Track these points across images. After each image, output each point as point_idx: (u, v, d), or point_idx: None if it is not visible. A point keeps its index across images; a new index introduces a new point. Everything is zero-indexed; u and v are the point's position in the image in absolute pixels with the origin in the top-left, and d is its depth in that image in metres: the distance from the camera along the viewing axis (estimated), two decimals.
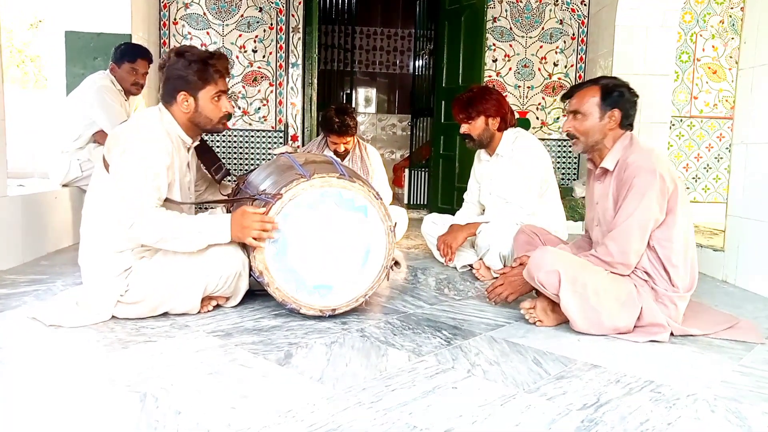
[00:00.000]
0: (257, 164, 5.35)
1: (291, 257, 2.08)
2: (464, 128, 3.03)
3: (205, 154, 2.43)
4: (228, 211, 2.38)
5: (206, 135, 2.40)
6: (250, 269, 2.15)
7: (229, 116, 2.21)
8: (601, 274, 2.04)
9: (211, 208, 2.49)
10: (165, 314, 2.13)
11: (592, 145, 2.17)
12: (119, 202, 1.99)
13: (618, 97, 2.11)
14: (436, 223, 3.35)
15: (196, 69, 2.08)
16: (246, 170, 5.38)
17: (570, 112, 2.19)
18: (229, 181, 2.61)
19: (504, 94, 3.74)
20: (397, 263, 2.81)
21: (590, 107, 2.13)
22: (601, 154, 2.17)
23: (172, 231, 1.98)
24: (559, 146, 5.63)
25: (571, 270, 2.00)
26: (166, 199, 2.07)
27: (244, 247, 2.15)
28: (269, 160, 4.09)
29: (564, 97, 2.24)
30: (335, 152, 3.51)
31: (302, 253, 2.10)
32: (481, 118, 2.99)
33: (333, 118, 3.44)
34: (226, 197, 2.46)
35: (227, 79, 2.20)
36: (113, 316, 2.08)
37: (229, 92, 2.23)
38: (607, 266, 2.05)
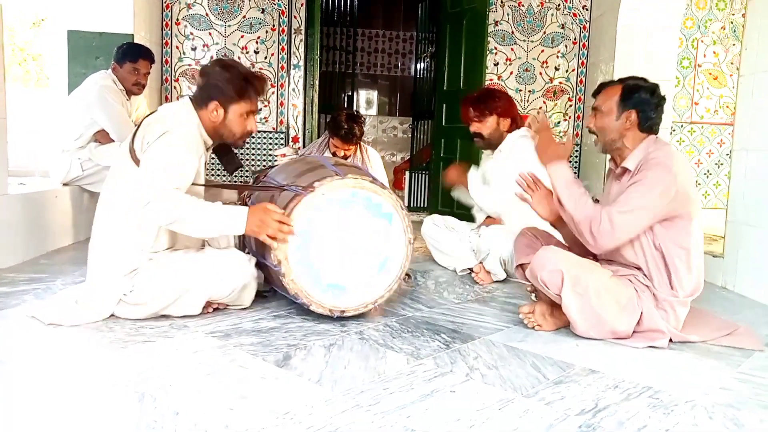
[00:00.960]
0: (258, 166, 5.35)
1: (312, 251, 2.08)
2: (474, 127, 3.03)
3: (219, 145, 2.44)
4: (244, 203, 2.39)
5: None
6: (267, 258, 2.12)
7: (250, 134, 2.25)
8: (605, 276, 2.04)
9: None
10: (165, 315, 2.13)
11: (610, 144, 2.14)
12: (141, 182, 1.98)
13: (637, 98, 2.08)
14: (437, 225, 3.35)
15: (236, 84, 2.12)
16: (247, 171, 5.38)
17: (592, 108, 2.19)
18: (242, 175, 2.62)
19: None
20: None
21: (610, 105, 2.11)
22: (622, 154, 2.14)
23: (189, 213, 1.96)
24: None
25: (574, 270, 2.00)
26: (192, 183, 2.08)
27: (261, 244, 2.14)
28: (273, 161, 4.09)
29: (593, 94, 2.24)
30: (334, 155, 3.50)
31: (324, 249, 2.10)
32: (492, 117, 2.99)
33: (342, 123, 3.39)
34: (252, 185, 2.46)
35: (260, 100, 2.24)
36: (113, 315, 2.09)
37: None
38: (590, 235, 1.99)
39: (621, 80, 2.18)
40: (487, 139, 3.04)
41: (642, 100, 2.08)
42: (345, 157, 3.50)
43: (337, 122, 3.41)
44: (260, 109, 2.26)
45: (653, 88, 2.12)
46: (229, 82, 2.12)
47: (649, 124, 2.11)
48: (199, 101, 2.16)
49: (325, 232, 2.09)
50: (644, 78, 2.16)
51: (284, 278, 2.07)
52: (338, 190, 2.09)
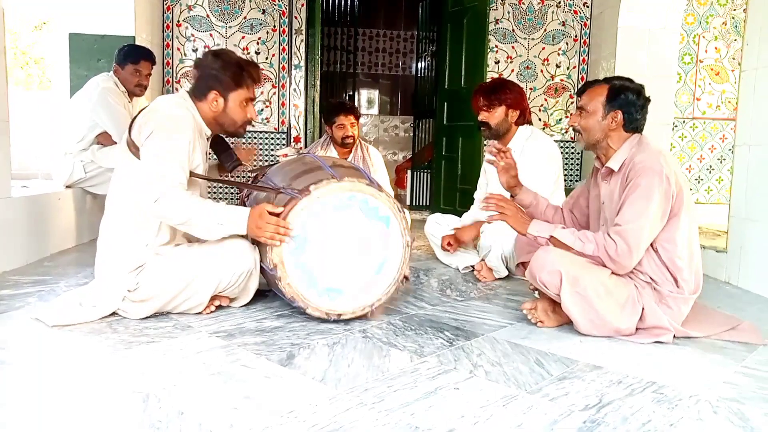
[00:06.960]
0: (259, 166, 5.35)
1: (308, 255, 2.08)
2: (483, 116, 3.03)
3: (217, 141, 2.45)
4: (242, 203, 2.39)
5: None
6: (263, 261, 2.13)
7: (250, 122, 2.26)
8: (603, 275, 2.03)
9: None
10: (168, 315, 2.14)
11: (594, 143, 2.16)
12: (144, 178, 2.00)
13: (623, 99, 2.09)
14: (439, 224, 3.35)
15: (232, 72, 2.14)
16: (248, 171, 5.38)
17: (577, 108, 2.20)
18: (242, 174, 2.63)
19: None
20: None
21: (595, 105, 2.13)
22: (607, 153, 2.16)
23: (196, 214, 1.98)
24: (562, 147, 5.61)
25: (573, 271, 2.00)
26: (191, 174, 2.09)
27: (258, 245, 2.15)
28: (274, 161, 4.12)
29: (578, 93, 2.25)
30: (343, 139, 3.49)
31: (320, 253, 2.09)
32: (501, 107, 2.99)
33: (337, 102, 3.67)
34: (250, 183, 2.48)
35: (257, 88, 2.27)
36: (115, 314, 2.10)
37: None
38: (609, 261, 2.02)
39: (606, 80, 2.19)
40: (495, 130, 3.03)
41: (629, 101, 2.09)
42: (353, 138, 3.48)
43: (334, 104, 3.66)
44: (256, 98, 2.28)
45: (639, 90, 2.12)
46: (225, 70, 2.13)
47: (634, 125, 2.12)
48: (198, 93, 2.17)
49: (322, 236, 2.08)
50: (630, 78, 2.17)
51: (280, 282, 2.07)
52: (334, 194, 2.07)
